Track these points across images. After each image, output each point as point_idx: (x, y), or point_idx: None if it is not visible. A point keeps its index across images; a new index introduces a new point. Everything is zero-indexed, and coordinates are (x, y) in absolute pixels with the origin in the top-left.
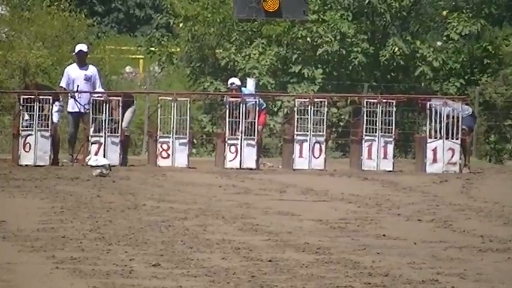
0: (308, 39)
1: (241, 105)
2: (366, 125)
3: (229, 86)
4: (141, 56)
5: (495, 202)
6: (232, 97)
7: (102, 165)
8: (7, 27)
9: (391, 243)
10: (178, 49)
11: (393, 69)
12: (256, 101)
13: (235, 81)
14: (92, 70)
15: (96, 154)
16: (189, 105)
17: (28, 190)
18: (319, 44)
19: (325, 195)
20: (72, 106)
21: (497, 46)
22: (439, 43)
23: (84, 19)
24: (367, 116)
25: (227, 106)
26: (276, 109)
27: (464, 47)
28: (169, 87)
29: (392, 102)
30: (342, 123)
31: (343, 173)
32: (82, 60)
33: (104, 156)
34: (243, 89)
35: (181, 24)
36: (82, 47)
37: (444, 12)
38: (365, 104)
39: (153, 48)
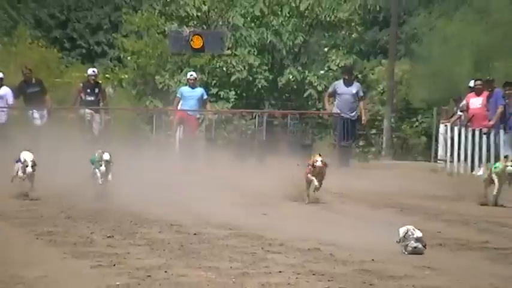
0: (224, 68)
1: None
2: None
3: (189, 76)
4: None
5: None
6: (190, 85)
7: (418, 238)
8: None
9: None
10: (126, 76)
11: (288, 92)
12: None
13: (194, 73)
14: (4, 90)
15: None
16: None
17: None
18: (232, 72)
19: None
20: None
21: (365, 74)
22: (322, 72)
23: (56, 53)
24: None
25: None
26: (200, 121)
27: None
28: (120, 104)
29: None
30: (249, 132)
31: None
32: None
33: None
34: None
35: (129, 57)
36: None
37: (326, 49)
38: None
39: (108, 75)
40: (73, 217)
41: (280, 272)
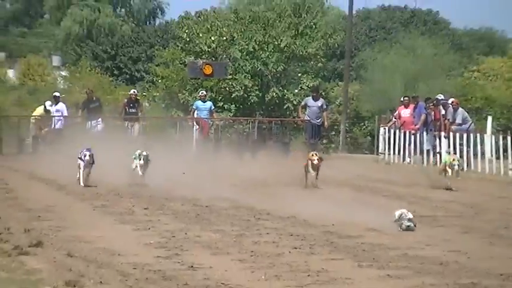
0: (227, 88)
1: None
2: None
3: (200, 93)
4: (138, 98)
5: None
6: (202, 99)
7: (410, 219)
8: (68, 81)
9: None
10: (158, 94)
11: (272, 105)
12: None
13: (204, 91)
14: (60, 106)
15: None
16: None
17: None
18: (233, 91)
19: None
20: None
21: (327, 92)
22: (296, 91)
23: (107, 78)
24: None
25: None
26: (210, 125)
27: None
28: (153, 113)
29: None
30: (245, 134)
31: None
32: (56, 100)
33: None
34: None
35: (159, 81)
36: (56, 93)
37: (299, 74)
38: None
39: (144, 93)
40: (119, 195)
41: (267, 233)
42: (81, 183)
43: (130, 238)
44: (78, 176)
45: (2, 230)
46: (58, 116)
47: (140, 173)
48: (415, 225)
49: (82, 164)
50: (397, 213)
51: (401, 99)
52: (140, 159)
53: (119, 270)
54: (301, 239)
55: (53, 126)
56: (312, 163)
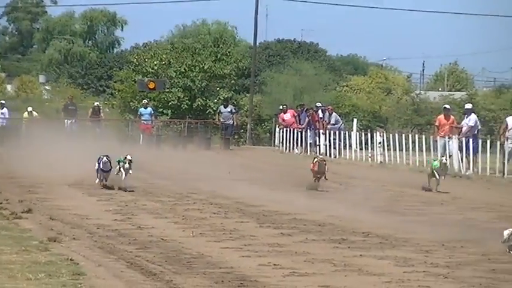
0: (165, 98)
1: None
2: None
3: (143, 102)
4: (100, 107)
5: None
6: (144, 106)
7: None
8: (50, 93)
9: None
10: (115, 102)
11: (198, 111)
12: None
13: (145, 100)
14: (4, 110)
15: None
16: None
17: None
18: (169, 100)
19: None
20: None
21: (238, 101)
22: (215, 100)
23: (79, 91)
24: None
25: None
26: (153, 126)
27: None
28: (111, 117)
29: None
30: (178, 131)
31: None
32: (1, 106)
33: None
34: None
35: (117, 93)
36: (2, 101)
37: (218, 89)
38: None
39: (106, 102)
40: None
41: (194, 203)
42: (99, 185)
43: (95, 206)
44: (96, 178)
45: (2, 200)
46: (2, 118)
47: (123, 177)
48: None
49: (99, 168)
50: (506, 233)
51: (280, 107)
52: (125, 163)
53: (87, 229)
54: (219, 207)
55: None
56: (318, 166)
